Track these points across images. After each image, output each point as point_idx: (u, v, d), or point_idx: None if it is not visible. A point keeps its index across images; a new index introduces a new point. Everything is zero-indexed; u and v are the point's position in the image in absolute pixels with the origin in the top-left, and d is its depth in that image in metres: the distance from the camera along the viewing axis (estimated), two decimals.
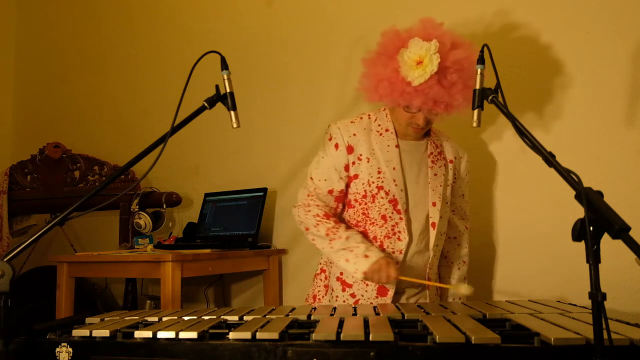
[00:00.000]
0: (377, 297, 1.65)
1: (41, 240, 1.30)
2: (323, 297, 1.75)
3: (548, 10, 2.04)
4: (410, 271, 1.66)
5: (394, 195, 1.65)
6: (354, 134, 1.70)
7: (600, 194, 0.94)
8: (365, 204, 1.68)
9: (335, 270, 1.73)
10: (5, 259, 1.10)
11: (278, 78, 2.69)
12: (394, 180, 1.66)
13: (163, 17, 3.12)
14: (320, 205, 1.70)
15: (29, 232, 3.30)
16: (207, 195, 2.74)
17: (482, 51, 1.36)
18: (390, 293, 1.64)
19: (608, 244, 0.92)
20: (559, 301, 1.47)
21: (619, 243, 0.85)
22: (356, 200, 1.70)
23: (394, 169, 1.66)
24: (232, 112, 1.44)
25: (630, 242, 0.84)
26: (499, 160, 2.11)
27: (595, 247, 0.87)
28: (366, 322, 1.12)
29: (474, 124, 1.36)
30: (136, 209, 2.68)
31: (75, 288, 2.43)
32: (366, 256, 1.58)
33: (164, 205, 2.72)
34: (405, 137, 1.73)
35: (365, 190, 1.68)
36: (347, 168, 1.70)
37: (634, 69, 1.88)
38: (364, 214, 1.69)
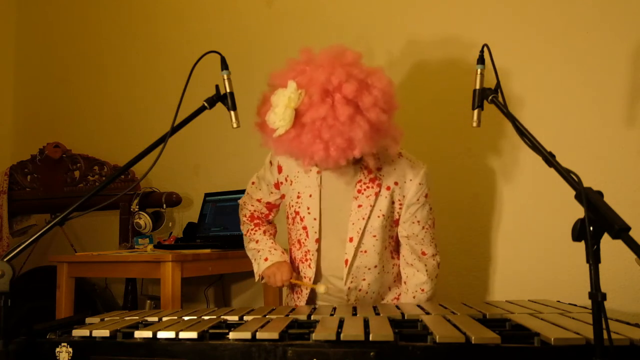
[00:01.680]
0: (306, 289, 1.68)
1: (41, 240, 1.30)
2: (288, 295, 1.79)
3: (548, 10, 2.04)
4: (328, 301, 1.65)
5: (305, 224, 1.61)
6: None
7: (600, 194, 0.94)
8: (289, 224, 1.70)
9: None
10: (5, 259, 1.10)
11: None
12: (308, 208, 1.61)
13: (163, 17, 3.12)
14: (250, 208, 1.80)
15: (29, 232, 3.30)
16: (207, 195, 2.74)
17: (482, 51, 1.36)
18: (319, 286, 1.59)
19: (608, 244, 0.92)
20: (559, 301, 1.47)
21: (619, 243, 0.85)
22: (288, 219, 1.71)
23: (310, 196, 1.60)
24: (232, 112, 1.44)
25: (630, 242, 0.84)
26: (499, 160, 2.11)
27: (595, 247, 0.87)
28: (366, 322, 1.12)
29: (474, 124, 1.35)
30: (136, 209, 2.68)
31: (75, 288, 2.43)
32: (266, 259, 1.66)
33: (164, 205, 2.72)
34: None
35: (287, 212, 1.70)
36: (277, 186, 1.70)
37: (634, 69, 1.88)
38: (289, 233, 1.72)
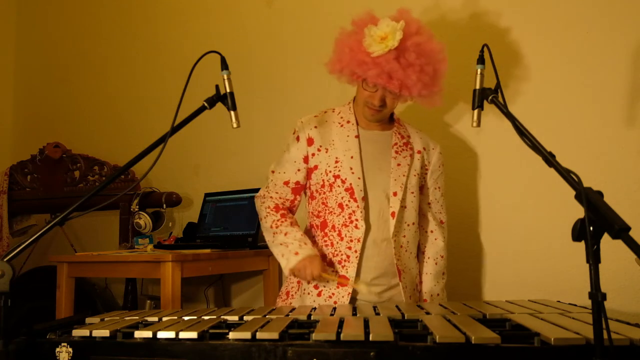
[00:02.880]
0: (337, 287, 1.66)
1: (41, 240, 1.30)
2: (295, 292, 1.76)
3: (548, 11, 2.04)
4: (374, 261, 1.66)
5: (350, 184, 1.67)
6: (315, 127, 1.76)
7: (600, 194, 0.94)
8: (324, 193, 1.71)
9: None
10: (5, 259, 1.10)
11: (278, 78, 2.69)
12: (351, 169, 1.68)
13: (163, 17, 3.12)
14: (274, 197, 1.78)
15: (29, 232, 3.30)
16: (207, 195, 2.74)
17: (482, 51, 1.36)
18: (350, 282, 1.63)
19: (608, 244, 0.92)
20: (559, 301, 1.47)
21: (619, 243, 0.85)
22: (317, 191, 1.74)
23: (351, 157, 1.69)
24: (232, 112, 1.44)
25: (630, 242, 0.84)
26: (499, 160, 2.11)
27: (595, 247, 0.87)
28: (366, 322, 1.12)
29: (474, 124, 1.36)
30: (136, 209, 2.68)
31: (75, 288, 2.43)
32: (296, 253, 1.64)
33: (164, 205, 2.72)
34: (369, 127, 1.77)
35: (323, 180, 1.72)
36: (306, 160, 1.75)
37: (634, 69, 1.88)
38: (323, 203, 1.72)
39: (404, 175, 1.72)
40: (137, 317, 1.29)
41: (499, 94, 1.30)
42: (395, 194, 1.69)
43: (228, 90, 1.44)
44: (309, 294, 1.70)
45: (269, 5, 2.75)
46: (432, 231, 1.82)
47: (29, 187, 3.21)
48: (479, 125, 1.36)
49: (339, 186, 1.68)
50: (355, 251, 1.64)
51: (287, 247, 1.67)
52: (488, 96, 1.31)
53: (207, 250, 2.25)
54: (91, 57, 3.38)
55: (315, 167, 1.74)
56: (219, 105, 1.45)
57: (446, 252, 1.82)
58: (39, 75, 3.62)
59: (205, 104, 1.43)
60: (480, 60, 1.36)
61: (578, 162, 1.92)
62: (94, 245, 3.07)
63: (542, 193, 2.00)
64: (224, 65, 1.44)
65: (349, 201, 1.67)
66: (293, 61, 2.65)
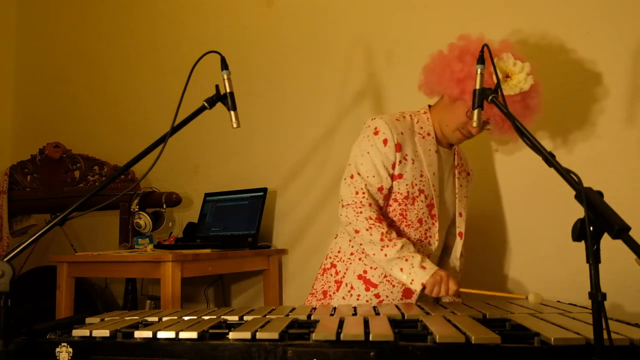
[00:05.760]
0: (402, 299, 1.62)
1: (41, 240, 1.30)
2: (335, 293, 1.68)
3: (548, 11, 2.04)
4: None
5: (431, 200, 1.66)
6: (402, 132, 1.64)
7: (600, 194, 0.94)
8: (405, 205, 1.64)
9: (357, 268, 1.66)
10: (5, 259, 1.10)
11: (278, 78, 2.69)
12: (433, 186, 1.67)
13: (163, 17, 3.12)
14: (372, 205, 1.60)
15: (29, 232, 3.30)
16: (207, 195, 2.74)
17: (482, 51, 1.36)
18: (415, 295, 1.61)
19: (608, 244, 0.92)
20: (559, 301, 1.47)
21: (619, 243, 0.85)
22: (396, 200, 1.64)
23: (434, 174, 1.67)
24: (232, 112, 1.44)
25: (630, 242, 0.84)
26: (499, 160, 2.11)
27: (595, 247, 0.87)
28: (366, 322, 1.12)
29: (474, 124, 1.36)
30: (136, 209, 2.68)
31: (75, 288, 2.43)
32: (423, 267, 1.51)
33: (164, 205, 2.72)
34: (441, 143, 1.73)
35: (407, 192, 1.63)
36: (393, 166, 1.63)
37: (634, 69, 1.88)
38: (401, 214, 1.65)
39: (465, 197, 1.77)
40: (137, 317, 1.29)
41: (499, 94, 1.30)
42: (461, 214, 1.75)
43: (228, 90, 1.44)
44: (357, 297, 1.63)
45: (269, 5, 2.75)
46: (457, 235, 1.84)
47: (29, 187, 3.21)
48: (479, 125, 1.36)
49: (422, 201, 1.65)
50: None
51: (406, 261, 1.53)
52: (488, 96, 1.32)
53: (207, 250, 2.25)
54: (91, 57, 3.38)
55: (400, 175, 1.63)
56: (219, 105, 1.45)
57: (464, 258, 1.84)
58: (39, 75, 3.62)
59: (205, 104, 1.43)
60: (480, 60, 1.36)
61: (578, 162, 1.92)
62: (94, 245, 3.07)
63: (542, 193, 2.00)
64: (224, 65, 1.44)
65: (427, 217, 1.66)
66: (293, 61, 2.65)
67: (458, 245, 1.76)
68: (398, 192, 1.64)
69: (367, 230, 1.56)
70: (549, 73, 2.03)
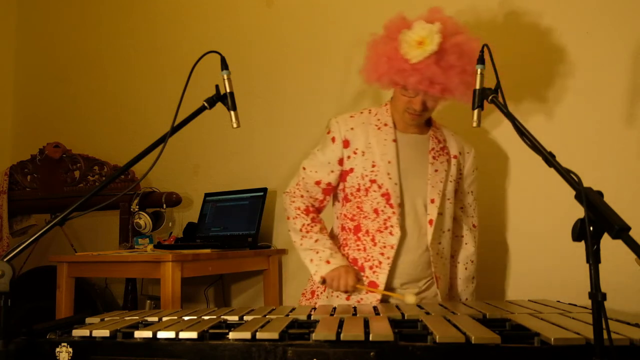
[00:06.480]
0: (366, 293, 1.65)
1: (41, 240, 1.30)
2: (322, 293, 1.74)
3: (548, 11, 2.04)
4: (408, 268, 1.65)
5: (386, 189, 1.64)
6: (352, 128, 1.71)
7: (600, 194, 0.94)
8: (360, 197, 1.68)
9: None
10: (5, 259, 1.10)
11: (278, 78, 2.69)
12: (388, 174, 1.65)
13: (163, 17, 3.12)
14: (305, 196, 1.75)
15: (29, 232, 3.30)
16: (207, 195, 2.74)
17: (482, 51, 1.36)
18: (378, 295, 1.62)
19: (608, 244, 0.92)
20: (559, 301, 1.47)
21: (619, 243, 0.85)
22: (352, 194, 1.70)
23: (388, 162, 1.66)
24: (232, 112, 1.44)
25: (630, 242, 0.84)
26: (499, 160, 2.11)
27: (595, 247, 0.87)
28: (366, 322, 1.12)
29: (474, 124, 1.36)
30: (136, 209, 2.68)
31: (75, 288, 2.43)
32: (328, 262, 1.63)
33: (164, 205, 2.72)
34: (406, 130, 1.73)
35: (359, 184, 1.68)
36: (341, 162, 1.71)
37: (634, 69, 1.88)
38: (358, 207, 1.69)
39: (441, 182, 1.69)
40: (137, 317, 1.29)
41: (499, 94, 1.30)
42: (433, 201, 1.68)
43: (228, 90, 1.44)
44: (337, 296, 1.68)
45: (269, 5, 2.75)
46: (463, 236, 1.83)
47: (29, 187, 3.21)
48: (479, 125, 1.36)
49: (375, 191, 1.65)
50: (388, 257, 1.63)
51: (317, 253, 1.66)
52: (488, 96, 1.31)
53: (207, 250, 2.25)
54: (91, 57, 3.38)
55: (351, 170, 1.70)
56: (219, 105, 1.45)
57: (476, 256, 1.83)
58: (39, 75, 3.62)
59: (205, 104, 1.43)
60: (480, 60, 1.36)
61: (578, 162, 1.92)
62: (94, 245, 3.07)
63: (542, 193, 2.00)
64: (224, 65, 1.44)
65: (384, 207, 1.64)
66: (293, 61, 2.65)
67: (429, 233, 1.66)
68: (352, 187, 1.70)
69: (294, 218, 1.73)
70: (549, 72, 2.03)
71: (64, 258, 2.43)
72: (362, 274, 1.65)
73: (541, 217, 2.01)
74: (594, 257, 0.86)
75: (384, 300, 1.64)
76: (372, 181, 1.66)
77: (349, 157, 1.70)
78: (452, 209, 1.75)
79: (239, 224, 2.55)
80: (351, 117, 1.75)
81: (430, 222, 1.67)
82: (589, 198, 0.90)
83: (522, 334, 1.02)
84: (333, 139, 1.72)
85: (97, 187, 1.28)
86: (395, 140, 1.69)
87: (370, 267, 1.64)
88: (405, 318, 1.21)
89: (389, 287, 1.64)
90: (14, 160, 3.32)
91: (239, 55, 2.71)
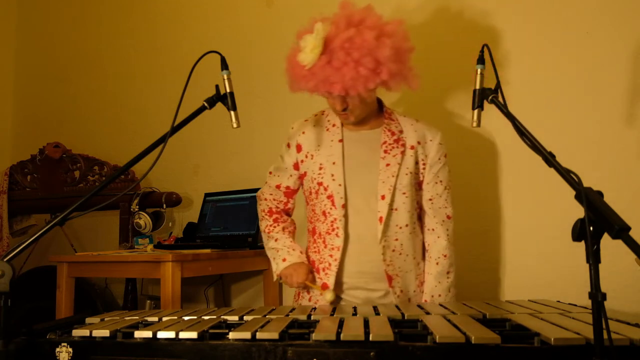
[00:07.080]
0: (320, 295, 1.66)
1: (41, 240, 1.30)
2: (302, 293, 1.78)
3: (548, 11, 2.04)
4: (358, 268, 1.63)
5: (331, 191, 1.65)
6: (304, 132, 1.75)
7: (600, 194, 0.94)
8: (312, 200, 1.72)
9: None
10: (5, 259, 1.10)
11: (278, 78, 2.68)
12: (332, 175, 1.66)
13: (163, 17, 3.12)
14: (269, 199, 1.82)
15: (29, 232, 3.30)
16: (207, 195, 2.74)
17: (482, 51, 1.36)
18: (330, 292, 1.62)
19: (608, 244, 0.92)
20: (559, 301, 1.47)
21: (619, 243, 0.85)
22: (308, 197, 1.75)
23: (333, 163, 1.66)
24: (232, 112, 1.44)
25: (630, 242, 0.84)
26: (499, 160, 2.11)
27: (595, 247, 0.87)
28: (366, 322, 1.12)
29: (474, 124, 1.36)
30: (136, 209, 2.68)
31: (75, 288, 2.43)
32: (284, 260, 1.70)
33: (164, 205, 2.72)
34: (356, 128, 1.71)
35: (310, 187, 1.72)
36: (296, 166, 1.76)
37: (634, 69, 1.88)
38: (312, 210, 1.73)
39: (393, 176, 1.63)
40: (137, 317, 1.29)
41: (499, 94, 1.30)
42: (383, 197, 1.62)
43: (228, 90, 1.44)
44: (302, 297, 1.76)
45: (269, 5, 2.74)
46: (433, 229, 1.71)
47: (29, 187, 3.21)
48: (479, 125, 1.36)
49: (322, 193, 1.67)
50: (335, 259, 1.63)
51: (277, 252, 1.73)
52: (488, 96, 1.31)
53: (207, 250, 2.25)
54: (91, 57, 3.38)
55: (305, 173, 1.74)
56: (219, 105, 1.45)
57: (450, 250, 1.70)
58: (39, 75, 3.61)
59: (205, 104, 1.43)
60: (480, 60, 1.35)
61: (578, 162, 1.92)
62: (94, 245, 3.07)
63: (542, 193, 2.00)
64: (224, 65, 1.44)
65: (330, 209, 1.65)
66: None
67: (378, 230, 1.61)
68: (307, 190, 1.74)
69: (260, 220, 1.82)
70: (549, 72, 2.03)
71: (64, 258, 2.43)
72: (317, 275, 1.68)
73: (541, 217, 2.01)
74: (594, 257, 0.86)
75: (338, 298, 1.66)
76: (319, 184, 1.68)
77: (302, 161, 1.74)
78: (411, 203, 1.66)
79: (239, 224, 2.55)
80: (306, 120, 1.78)
81: (380, 219, 1.62)
82: (589, 198, 0.90)
83: (522, 334, 1.02)
84: (288, 145, 1.77)
85: (97, 187, 1.28)
86: (341, 140, 1.69)
87: (323, 269, 1.67)
88: (405, 318, 1.21)
89: (339, 287, 1.65)
90: (14, 160, 3.32)
91: (239, 55, 2.71)
